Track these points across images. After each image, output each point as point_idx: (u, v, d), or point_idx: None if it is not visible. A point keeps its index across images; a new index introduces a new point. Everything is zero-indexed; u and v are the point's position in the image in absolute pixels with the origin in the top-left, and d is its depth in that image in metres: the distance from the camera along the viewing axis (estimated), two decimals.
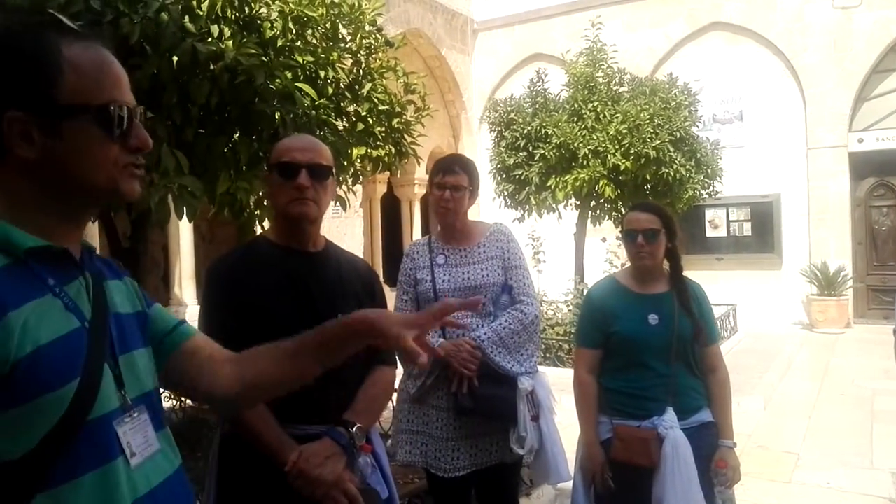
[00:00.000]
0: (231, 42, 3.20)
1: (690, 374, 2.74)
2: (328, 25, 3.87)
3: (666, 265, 2.82)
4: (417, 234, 14.07)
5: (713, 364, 2.81)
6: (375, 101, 4.13)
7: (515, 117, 9.41)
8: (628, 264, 2.87)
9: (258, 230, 4.11)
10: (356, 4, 4.03)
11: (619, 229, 2.95)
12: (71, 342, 1.05)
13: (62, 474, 1.01)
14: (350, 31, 4.14)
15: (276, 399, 1.82)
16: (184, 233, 10.54)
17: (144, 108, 1.17)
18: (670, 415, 2.63)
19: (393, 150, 4.42)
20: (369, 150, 4.30)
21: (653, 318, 2.70)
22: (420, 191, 14.14)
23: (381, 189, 13.41)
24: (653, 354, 2.68)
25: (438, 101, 14.37)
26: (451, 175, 2.78)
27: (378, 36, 4.21)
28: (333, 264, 2.10)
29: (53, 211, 1.10)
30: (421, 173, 13.56)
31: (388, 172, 4.63)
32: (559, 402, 2.98)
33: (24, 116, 1.04)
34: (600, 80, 9.43)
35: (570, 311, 9.62)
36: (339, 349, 1.31)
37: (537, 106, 9.51)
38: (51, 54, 1.05)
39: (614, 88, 9.41)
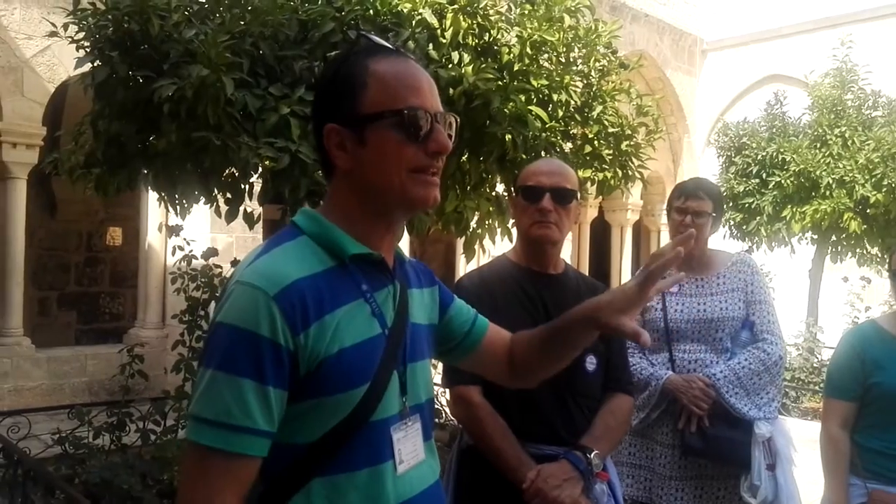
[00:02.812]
0: (470, 67, 3.32)
1: None
2: (563, 49, 3.89)
3: None
4: (627, 261, 13.64)
5: None
6: (605, 123, 4.07)
7: (748, 142, 8.92)
8: (883, 308, 2.55)
9: (476, 247, 4.22)
10: (592, 27, 4.01)
11: (888, 267, 2.63)
12: (370, 347, 1.14)
13: (340, 465, 1.11)
14: (583, 54, 4.12)
15: (515, 417, 1.83)
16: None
17: (455, 116, 1.25)
18: None
19: (619, 173, 4.33)
20: (595, 173, 4.24)
21: None
22: (633, 217, 13.72)
23: (592, 213, 13.18)
24: None
25: (659, 123, 13.88)
26: (695, 200, 2.64)
27: (612, 58, 4.16)
28: (573, 287, 2.09)
29: (372, 219, 1.21)
30: (635, 199, 13.17)
31: (600, 196, 4.56)
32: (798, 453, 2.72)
33: (338, 128, 1.17)
34: (849, 103, 8.69)
35: (800, 355, 8.86)
36: (572, 338, 1.37)
37: (774, 130, 8.95)
38: (359, 72, 1.17)
39: (866, 113, 8.61)
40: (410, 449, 1.19)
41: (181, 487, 1.08)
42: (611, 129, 4.11)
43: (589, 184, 4.29)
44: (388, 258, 1.24)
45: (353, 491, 1.11)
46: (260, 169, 3.12)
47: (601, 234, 14.00)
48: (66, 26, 3.30)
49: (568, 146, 4.01)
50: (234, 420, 1.03)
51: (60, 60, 7.03)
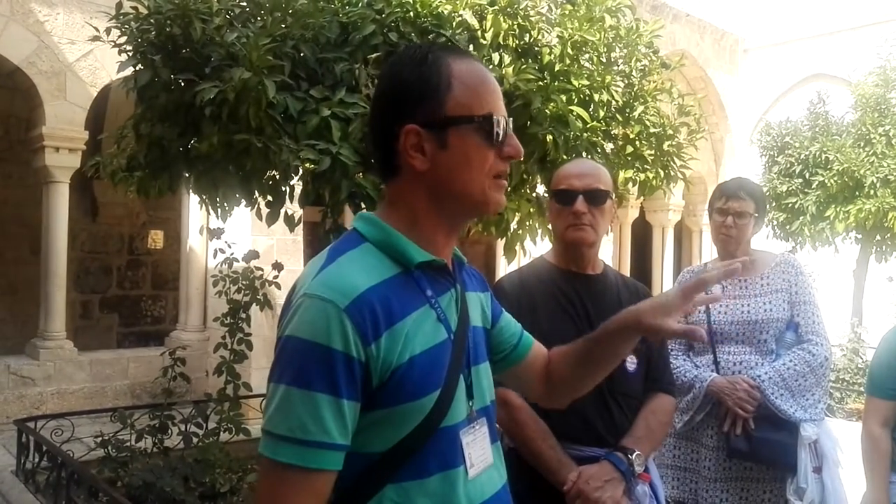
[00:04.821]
0: (511, 68, 3.30)
1: None
2: (604, 48, 3.85)
3: None
4: (669, 262, 13.49)
5: None
6: (647, 123, 4.02)
7: (791, 141, 8.81)
8: None
9: (517, 248, 4.19)
10: (633, 27, 3.97)
11: None
12: (438, 353, 1.13)
13: (412, 472, 1.10)
14: (624, 54, 4.08)
15: (555, 418, 1.81)
16: None
17: (511, 119, 1.23)
18: None
19: (661, 173, 4.27)
20: (636, 174, 4.19)
21: None
22: (674, 217, 13.55)
23: (633, 214, 13.03)
24: None
25: (701, 123, 13.66)
26: (736, 200, 2.61)
27: (653, 58, 4.10)
28: (612, 288, 2.08)
29: (437, 222, 1.19)
30: (677, 199, 13.00)
31: (641, 197, 4.50)
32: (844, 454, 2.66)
33: (418, 129, 1.14)
34: (893, 101, 8.51)
35: (844, 356, 8.69)
36: (614, 345, 1.35)
37: (817, 129, 8.81)
38: (442, 72, 1.15)
39: None
40: (480, 452, 1.19)
41: (257, 503, 1.08)
42: (652, 129, 4.06)
43: (630, 184, 4.24)
44: (448, 260, 1.23)
45: (426, 497, 1.11)
46: (301, 171, 3.13)
47: (642, 235, 13.86)
48: (108, 30, 3.34)
49: (609, 146, 3.96)
50: (310, 436, 1.02)
51: (103, 64, 7.13)
